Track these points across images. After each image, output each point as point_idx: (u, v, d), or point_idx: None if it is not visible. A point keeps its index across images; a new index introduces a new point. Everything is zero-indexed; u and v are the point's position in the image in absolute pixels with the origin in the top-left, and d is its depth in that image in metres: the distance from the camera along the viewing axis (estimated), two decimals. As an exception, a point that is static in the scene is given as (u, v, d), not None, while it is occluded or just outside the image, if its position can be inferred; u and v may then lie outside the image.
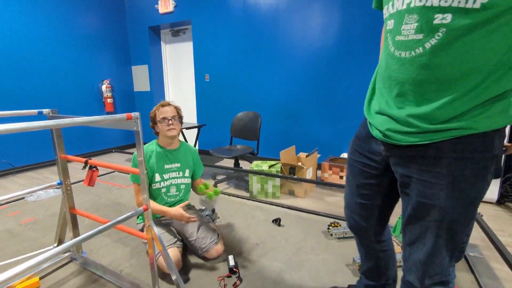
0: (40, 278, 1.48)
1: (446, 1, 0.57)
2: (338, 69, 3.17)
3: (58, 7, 3.73)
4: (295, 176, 2.64)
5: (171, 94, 4.95)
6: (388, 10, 0.70)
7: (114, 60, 4.57)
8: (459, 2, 0.56)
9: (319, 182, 2.67)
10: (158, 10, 4.27)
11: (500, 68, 0.60)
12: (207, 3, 3.86)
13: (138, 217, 1.72)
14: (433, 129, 0.66)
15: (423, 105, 0.67)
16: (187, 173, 1.73)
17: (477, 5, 0.55)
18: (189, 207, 1.82)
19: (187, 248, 1.68)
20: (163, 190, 1.65)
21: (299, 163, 2.67)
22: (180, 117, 1.71)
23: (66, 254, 1.65)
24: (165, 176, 1.65)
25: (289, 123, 3.58)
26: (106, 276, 1.49)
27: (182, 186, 1.73)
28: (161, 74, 4.82)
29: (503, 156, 2.32)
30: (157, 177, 1.62)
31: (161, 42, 4.74)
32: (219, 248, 1.62)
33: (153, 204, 1.56)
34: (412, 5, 0.62)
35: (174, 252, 1.46)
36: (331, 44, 3.16)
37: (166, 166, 1.66)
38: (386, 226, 1.06)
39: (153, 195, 1.65)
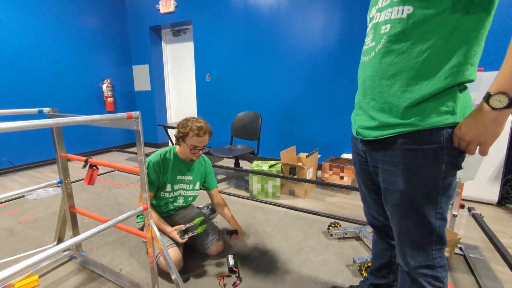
0: (40, 276, 1.48)
1: (386, 16, 0.75)
2: (338, 69, 3.17)
3: (59, 7, 3.73)
4: (295, 176, 2.63)
5: (171, 93, 4.95)
6: (367, 31, 0.89)
7: (115, 59, 4.57)
8: (396, 14, 0.73)
9: (320, 182, 2.66)
10: (159, 10, 4.28)
11: (436, 72, 0.71)
12: (208, 3, 3.86)
13: (138, 216, 1.72)
14: (386, 123, 0.78)
15: (377, 100, 0.81)
16: (197, 186, 1.71)
17: (404, 15, 0.71)
18: (189, 206, 1.82)
19: (188, 247, 1.68)
20: (171, 199, 1.64)
21: (300, 163, 2.67)
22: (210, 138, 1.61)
23: (66, 253, 1.65)
24: (175, 187, 1.62)
25: (290, 123, 3.58)
26: (106, 275, 1.49)
27: (190, 198, 1.73)
28: (161, 74, 4.82)
29: (505, 157, 2.31)
30: (168, 187, 1.58)
31: (162, 42, 4.74)
32: (219, 245, 1.65)
33: (154, 216, 1.52)
34: (373, 22, 0.82)
35: (175, 252, 1.46)
36: (331, 44, 3.15)
37: (179, 177, 1.62)
38: None
39: (159, 199, 1.62)
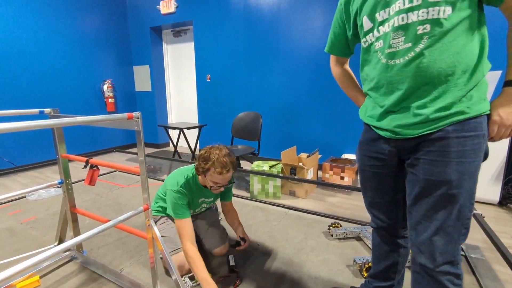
0: (41, 277, 1.48)
1: (422, 16, 0.77)
2: (339, 70, 3.16)
3: (60, 7, 3.74)
4: (296, 177, 2.63)
5: (172, 94, 4.96)
6: (374, 35, 0.89)
7: (116, 60, 4.58)
8: (433, 15, 0.75)
9: (320, 183, 2.66)
10: (159, 10, 4.28)
11: (473, 64, 0.77)
12: (209, 4, 3.87)
13: (154, 210, 1.66)
14: (436, 117, 0.79)
15: (425, 97, 0.81)
16: (217, 201, 1.72)
17: (445, 16, 0.75)
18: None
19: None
20: (192, 215, 1.59)
21: (300, 164, 2.67)
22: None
23: (67, 253, 1.65)
24: (197, 210, 1.64)
25: (290, 123, 3.58)
26: (107, 275, 1.49)
27: (208, 210, 1.77)
28: (162, 74, 4.83)
29: (506, 157, 2.31)
30: (190, 211, 1.51)
31: (163, 42, 4.75)
32: (223, 248, 1.65)
33: (194, 265, 1.31)
34: (396, 25, 0.81)
35: (182, 256, 1.48)
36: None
37: (200, 200, 1.58)
38: None
39: None
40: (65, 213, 1.60)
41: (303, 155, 2.82)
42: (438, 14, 0.75)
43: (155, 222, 1.65)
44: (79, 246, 1.67)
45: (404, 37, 0.81)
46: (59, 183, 1.55)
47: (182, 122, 4.21)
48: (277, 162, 2.80)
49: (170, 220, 1.63)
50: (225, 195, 1.69)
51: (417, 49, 0.79)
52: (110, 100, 4.40)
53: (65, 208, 1.58)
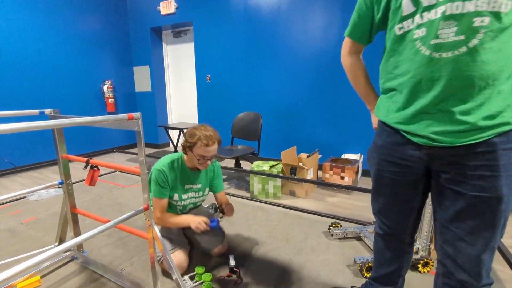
0: (41, 277, 1.48)
1: (481, 7, 0.67)
2: (339, 70, 3.16)
3: (60, 8, 3.75)
4: (296, 177, 2.63)
5: (172, 94, 4.96)
6: (415, 22, 0.77)
7: (116, 60, 4.58)
8: (493, 7, 0.66)
9: (320, 183, 2.67)
10: (159, 11, 4.29)
11: None
12: (209, 4, 3.87)
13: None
14: (484, 126, 0.72)
15: (469, 102, 0.73)
16: (206, 191, 1.70)
17: (506, 10, 0.66)
18: (196, 206, 1.82)
19: (191, 248, 1.68)
20: (179, 208, 1.63)
21: (300, 164, 2.67)
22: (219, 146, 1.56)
23: (67, 253, 1.66)
24: (184, 197, 1.60)
25: (290, 123, 3.58)
26: (107, 275, 1.50)
27: (199, 203, 1.75)
28: (162, 75, 4.83)
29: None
30: (176, 197, 1.56)
31: (163, 43, 4.75)
32: (221, 248, 1.65)
33: (171, 219, 1.51)
34: (447, 13, 0.71)
35: (181, 255, 1.49)
36: (332, 44, 3.15)
37: (187, 186, 1.59)
38: (418, 226, 1.07)
39: (169, 206, 1.59)
40: (66, 213, 1.60)
41: (303, 155, 2.82)
42: (500, 7, 0.65)
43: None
44: (79, 246, 1.67)
45: (456, 28, 0.70)
46: (60, 183, 1.56)
47: (182, 123, 4.21)
48: (277, 162, 2.80)
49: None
50: (215, 187, 1.71)
51: (471, 44, 0.69)
52: (110, 100, 4.40)
53: (66, 209, 1.59)
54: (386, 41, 0.89)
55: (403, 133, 0.85)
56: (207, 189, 1.69)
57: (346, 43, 1.05)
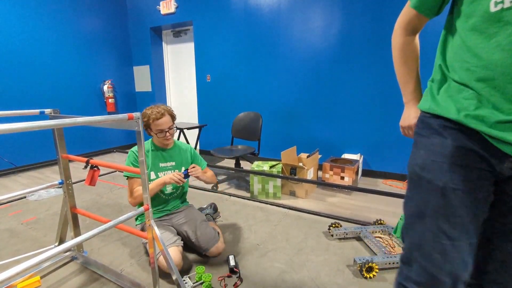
0: (41, 277, 1.48)
1: None
2: (339, 70, 3.17)
3: (60, 8, 3.75)
4: (296, 177, 2.63)
5: (172, 94, 4.96)
6: None
7: (116, 60, 4.58)
8: None
9: (320, 183, 2.67)
10: (159, 11, 4.29)
11: None
12: (209, 4, 3.87)
13: (136, 218, 1.72)
14: None
15: None
16: (182, 170, 1.71)
17: None
18: (188, 206, 1.83)
19: (187, 247, 1.68)
20: (162, 195, 1.69)
21: (300, 164, 2.67)
22: (173, 120, 1.68)
23: (67, 254, 1.66)
24: (160, 174, 1.66)
25: (290, 123, 3.58)
26: (107, 276, 1.50)
27: (180, 188, 1.75)
28: (162, 75, 4.83)
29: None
30: (152, 175, 1.64)
31: (163, 42, 4.75)
32: (219, 246, 1.65)
33: (150, 185, 1.53)
34: None
35: (174, 252, 1.47)
36: (332, 44, 3.15)
37: (161, 165, 1.68)
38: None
39: (153, 198, 1.65)
40: (66, 213, 1.60)
41: (303, 155, 2.82)
42: None
43: (145, 245, 1.67)
44: (79, 247, 1.67)
45: None
46: (60, 183, 1.56)
47: (182, 122, 4.21)
48: (277, 162, 2.80)
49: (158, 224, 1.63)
50: (199, 165, 1.79)
51: None
52: (110, 100, 4.40)
53: (66, 209, 1.59)
54: (461, 17, 0.66)
55: (486, 137, 0.64)
56: (183, 168, 1.73)
57: (407, 16, 0.80)
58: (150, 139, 1.72)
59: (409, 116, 0.90)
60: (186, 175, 1.58)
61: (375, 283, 1.44)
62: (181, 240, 1.62)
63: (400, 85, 0.90)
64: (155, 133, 1.61)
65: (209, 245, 1.62)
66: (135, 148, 1.60)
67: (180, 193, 1.78)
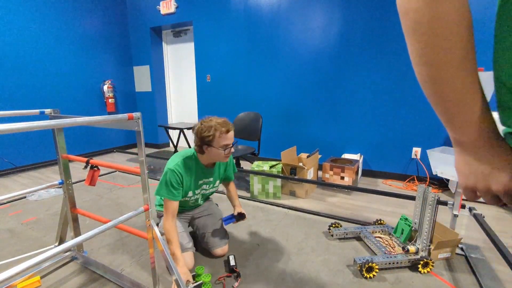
0: (41, 277, 1.48)
1: None
2: (339, 70, 3.17)
3: (60, 8, 3.75)
4: (296, 177, 2.63)
5: (172, 94, 4.96)
6: None
7: (116, 60, 4.58)
8: None
9: (320, 183, 2.66)
10: (159, 11, 4.29)
11: None
12: (209, 4, 3.87)
13: (157, 205, 1.70)
14: None
15: None
16: (216, 184, 1.69)
17: None
18: (209, 200, 1.83)
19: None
20: (191, 201, 1.63)
21: (300, 164, 2.67)
22: None
23: (67, 254, 1.66)
24: (197, 192, 1.59)
25: (290, 123, 3.58)
26: (107, 276, 1.50)
27: (208, 194, 1.75)
28: (162, 75, 4.83)
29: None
30: (190, 194, 1.55)
31: (163, 42, 4.75)
32: (225, 248, 1.67)
33: (173, 240, 1.39)
34: None
35: (190, 257, 1.52)
36: (332, 44, 3.16)
37: (200, 182, 1.57)
38: None
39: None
40: (66, 213, 1.60)
41: (303, 155, 2.82)
42: None
43: (160, 218, 1.67)
44: (79, 247, 1.67)
45: None
46: (60, 183, 1.56)
47: (182, 122, 4.21)
48: (277, 162, 2.80)
49: (177, 218, 1.57)
50: (229, 176, 1.72)
51: None
52: (110, 100, 4.40)
53: (66, 209, 1.59)
54: None
55: None
56: (217, 182, 1.67)
57: None
58: (193, 154, 1.50)
59: (490, 166, 0.42)
60: (228, 222, 1.60)
61: (375, 283, 1.44)
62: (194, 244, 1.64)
63: (444, 109, 0.42)
64: (220, 150, 1.40)
65: (217, 245, 1.63)
66: (178, 165, 1.40)
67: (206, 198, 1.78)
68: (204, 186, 1.63)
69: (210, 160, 1.52)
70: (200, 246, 1.71)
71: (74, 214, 1.60)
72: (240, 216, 1.67)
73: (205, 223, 1.69)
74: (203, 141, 1.40)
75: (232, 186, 1.78)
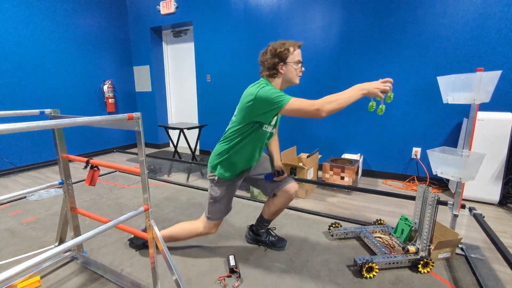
0: (41, 277, 1.48)
1: None
2: (338, 69, 3.17)
3: (60, 8, 3.75)
4: (296, 177, 2.63)
5: (172, 94, 4.96)
6: None
7: (116, 60, 4.58)
8: None
9: (320, 183, 2.66)
10: (159, 11, 4.29)
11: None
12: (209, 4, 3.87)
13: (213, 167, 1.48)
14: None
15: None
16: (277, 123, 1.56)
17: None
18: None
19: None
20: (267, 135, 1.47)
21: (300, 164, 2.67)
22: None
23: (67, 254, 1.66)
24: (272, 123, 1.45)
25: (290, 123, 3.58)
26: (107, 276, 1.50)
27: (270, 136, 1.56)
28: (162, 75, 4.84)
29: (506, 157, 2.31)
30: (274, 120, 1.41)
31: (163, 42, 4.75)
32: (295, 185, 1.57)
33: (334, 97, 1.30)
34: None
35: (216, 226, 1.53)
36: (332, 44, 3.16)
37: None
38: None
39: (256, 138, 1.42)
40: (66, 213, 1.60)
41: (303, 155, 2.82)
42: None
43: (213, 181, 1.50)
44: (79, 247, 1.67)
45: None
46: (60, 183, 1.56)
47: (182, 122, 4.21)
48: (277, 162, 2.80)
49: (226, 185, 1.47)
50: (278, 121, 1.56)
51: None
52: (110, 100, 4.40)
53: (66, 209, 1.59)
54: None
55: None
56: (277, 122, 1.56)
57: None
58: (263, 82, 1.37)
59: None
60: (270, 178, 1.50)
61: (375, 283, 1.44)
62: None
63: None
64: (294, 66, 1.36)
65: (288, 181, 1.55)
66: (265, 83, 1.33)
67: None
68: (273, 122, 1.44)
69: (283, 84, 1.44)
70: (268, 193, 1.60)
71: (74, 214, 1.60)
72: (279, 174, 1.56)
73: (266, 167, 1.58)
74: (280, 57, 1.37)
75: (276, 135, 1.66)
